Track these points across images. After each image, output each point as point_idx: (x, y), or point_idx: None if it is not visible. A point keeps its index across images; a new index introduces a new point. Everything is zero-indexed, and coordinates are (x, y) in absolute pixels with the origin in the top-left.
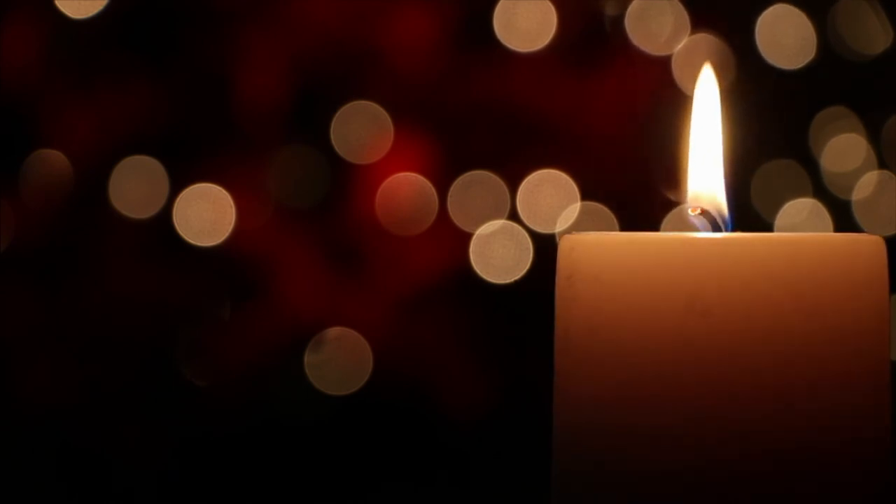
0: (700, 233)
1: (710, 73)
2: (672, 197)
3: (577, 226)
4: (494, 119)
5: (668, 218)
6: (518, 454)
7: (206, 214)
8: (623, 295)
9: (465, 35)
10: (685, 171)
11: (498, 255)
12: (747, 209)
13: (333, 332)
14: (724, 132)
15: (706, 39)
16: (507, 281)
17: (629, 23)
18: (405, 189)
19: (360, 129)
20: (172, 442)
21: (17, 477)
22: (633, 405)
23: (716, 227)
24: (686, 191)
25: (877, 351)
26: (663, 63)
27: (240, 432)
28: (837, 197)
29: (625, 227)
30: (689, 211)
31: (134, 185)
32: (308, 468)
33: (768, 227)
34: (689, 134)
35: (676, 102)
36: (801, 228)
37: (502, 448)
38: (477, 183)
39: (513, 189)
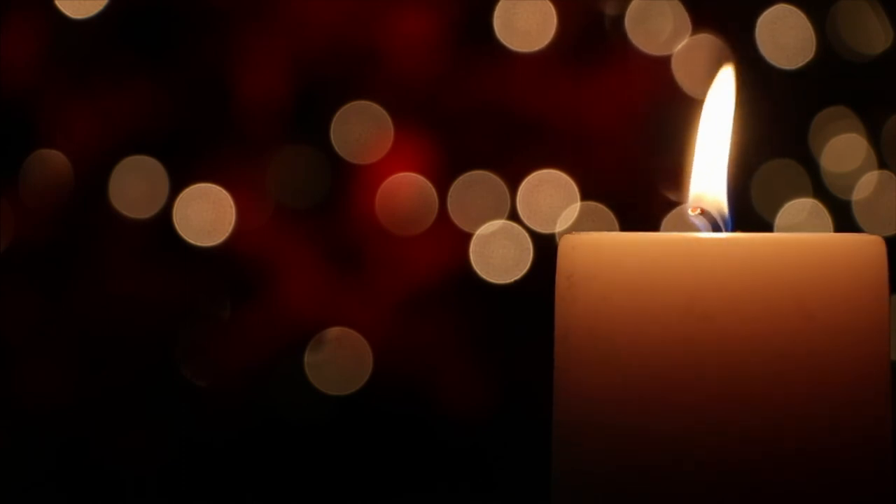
0: (700, 233)
1: (729, 76)
2: (672, 197)
3: (577, 226)
4: (494, 119)
5: (668, 218)
6: (518, 454)
7: (206, 214)
8: (623, 295)
9: (465, 35)
10: (688, 171)
11: (498, 255)
12: (747, 209)
13: (333, 332)
14: (734, 136)
15: (706, 39)
16: (507, 281)
17: (629, 23)
18: (405, 189)
19: (360, 129)
20: (172, 442)
21: (17, 477)
22: (632, 405)
23: (716, 227)
24: (689, 192)
25: (877, 351)
26: (663, 63)
27: (240, 432)
28: (837, 197)
29: (625, 227)
30: (689, 211)
31: (134, 185)
32: (308, 468)
33: (768, 227)
34: (694, 134)
35: (676, 102)
36: (801, 228)
37: (502, 448)
38: (477, 183)
39: (513, 189)
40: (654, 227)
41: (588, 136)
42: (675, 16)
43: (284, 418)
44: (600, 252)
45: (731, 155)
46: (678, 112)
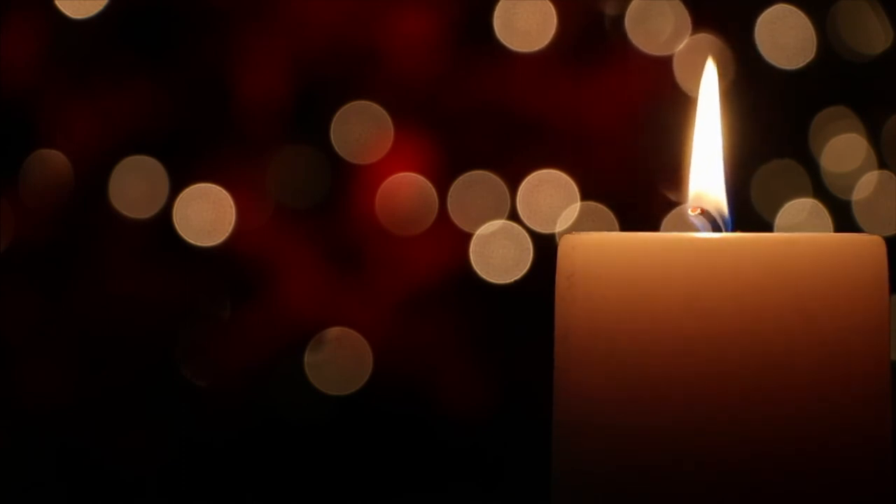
0: (700, 233)
1: (712, 70)
2: (672, 197)
3: (577, 226)
4: (494, 119)
5: (668, 218)
6: (518, 454)
7: (206, 214)
8: (623, 295)
9: (465, 35)
10: (687, 170)
11: (498, 255)
12: (747, 209)
13: (333, 332)
14: (724, 130)
15: (706, 39)
16: (507, 281)
17: (629, 23)
18: (405, 189)
19: (360, 129)
20: (172, 442)
21: (17, 477)
22: (632, 405)
23: (716, 227)
24: (687, 191)
25: (877, 351)
26: (663, 63)
27: (240, 432)
28: (837, 197)
29: (625, 227)
30: (689, 211)
31: (134, 185)
32: (308, 469)
33: (768, 227)
34: (691, 133)
35: (676, 102)
36: (801, 228)
37: (502, 448)
38: (477, 183)
39: (513, 189)
40: (654, 227)
41: (588, 136)
42: (675, 16)
43: (284, 418)
44: (600, 252)
45: (726, 150)
46: (678, 112)
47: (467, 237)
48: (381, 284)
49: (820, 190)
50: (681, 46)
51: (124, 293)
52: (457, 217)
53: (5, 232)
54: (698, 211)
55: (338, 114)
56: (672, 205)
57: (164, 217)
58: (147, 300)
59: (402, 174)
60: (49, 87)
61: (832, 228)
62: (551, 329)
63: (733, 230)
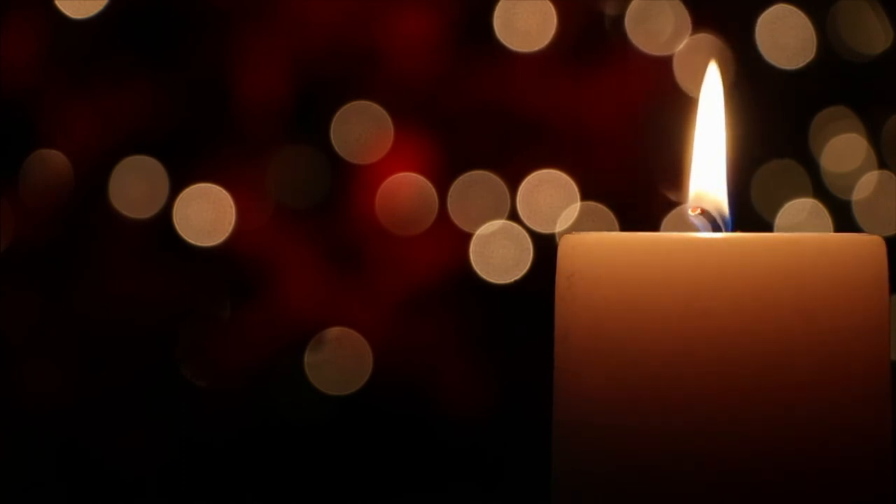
0: (700, 233)
1: (715, 72)
2: (672, 197)
3: (577, 226)
4: (494, 119)
5: (668, 218)
6: (518, 454)
7: (206, 214)
8: (623, 295)
9: (465, 35)
10: (687, 170)
11: (498, 255)
12: (747, 209)
13: (333, 332)
14: (726, 131)
15: (706, 39)
16: (507, 281)
17: (629, 23)
18: (405, 189)
19: (360, 129)
20: (172, 442)
21: (17, 477)
22: (632, 405)
23: (716, 227)
24: (688, 191)
25: (877, 351)
26: (663, 63)
27: (240, 432)
28: (837, 197)
29: (625, 227)
30: (689, 211)
31: (134, 185)
32: (308, 469)
33: (768, 227)
34: (692, 133)
35: (676, 102)
36: (801, 228)
37: (502, 448)
38: (477, 183)
39: (513, 189)
40: (654, 227)
41: (588, 136)
42: (675, 16)
43: (284, 418)
44: (600, 252)
45: (728, 152)
46: (678, 112)
47: (467, 237)
48: (381, 284)
49: (820, 190)
50: (681, 46)
51: (124, 293)
52: (457, 217)
53: (5, 232)
54: (698, 211)
55: (338, 114)
56: (672, 205)
57: (164, 217)
58: (147, 300)
59: (402, 174)
60: (49, 87)
61: (832, 228)
62: (551, 329)
63: (733, 230)
